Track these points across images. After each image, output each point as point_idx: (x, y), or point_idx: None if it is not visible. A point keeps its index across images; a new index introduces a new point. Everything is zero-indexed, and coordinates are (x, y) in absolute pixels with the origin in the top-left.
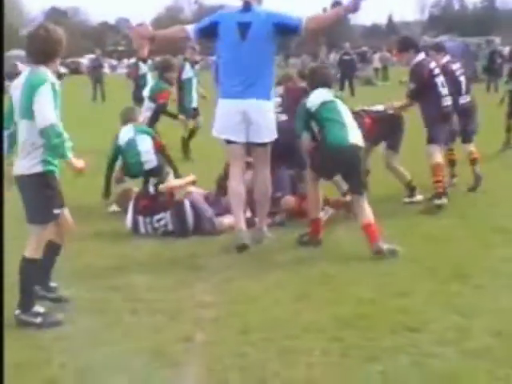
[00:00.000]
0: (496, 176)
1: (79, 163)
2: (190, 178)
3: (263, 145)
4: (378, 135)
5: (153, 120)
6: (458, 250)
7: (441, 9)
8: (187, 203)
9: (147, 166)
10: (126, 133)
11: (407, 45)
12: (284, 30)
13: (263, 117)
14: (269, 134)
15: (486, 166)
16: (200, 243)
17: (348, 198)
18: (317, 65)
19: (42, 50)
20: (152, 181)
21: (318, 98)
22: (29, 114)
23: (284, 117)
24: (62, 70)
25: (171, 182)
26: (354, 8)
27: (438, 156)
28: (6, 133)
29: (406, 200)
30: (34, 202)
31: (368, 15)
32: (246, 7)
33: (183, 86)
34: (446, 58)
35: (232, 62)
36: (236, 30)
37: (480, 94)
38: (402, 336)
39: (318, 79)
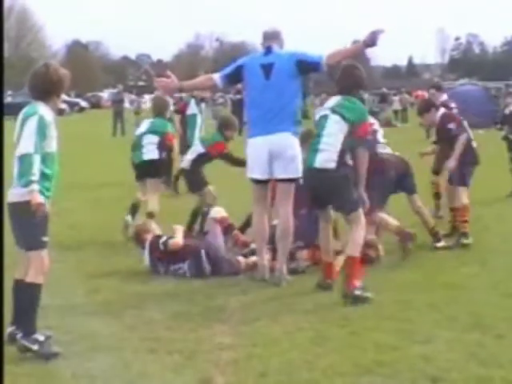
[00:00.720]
0: None
1: (38, 199)
2: (180, 229)
3: (287, 181)
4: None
5: (196, 164)
6: (478, 299)
7: (461, 52)
8: (203, 253)
9: (146, 157)
10: (142, 127)
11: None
12: (306, 67)
13: (288, 151)
14: (293, 170)
15: (504, 211)
16: (218, 283)
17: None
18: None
19: (40, 86)
20: (162, 240)
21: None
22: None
23: None
24: (84, 104)
25: (176, 238)
26: (372, 42)
27: (465, 198)
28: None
29: (438, 245)
30: (27, 229)
31: (388, 56)
32: (268, 50)
33: (187, 122)
34: (444, 97)
35: (257, 101)
36: (260, 71)
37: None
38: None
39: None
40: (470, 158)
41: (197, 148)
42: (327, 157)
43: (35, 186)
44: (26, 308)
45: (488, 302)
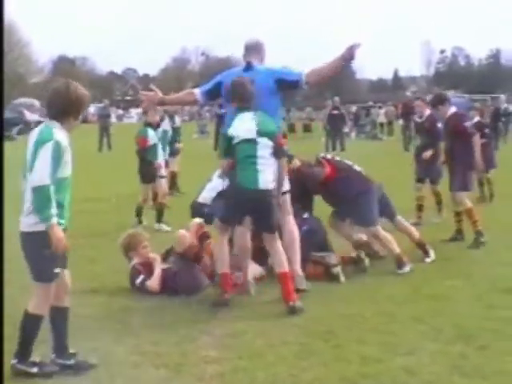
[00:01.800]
0: (498, 236)
1: (59, 234)
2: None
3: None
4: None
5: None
6: (462, 311)
7: (446, 65)
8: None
9: None
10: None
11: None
12: (285, 85)
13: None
14: (282, 185)
15: (488, 223)
16: (203, 297)
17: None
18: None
19: (58, 105)
20: (139, 280)
21: (240, 130)
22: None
23: None
24: None
25: (153, 282)
26: (350, 56)
27: (468, 201)
28: (24, 184)
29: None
30: (36, 260)
31: (374, 70)
32: (248, 66)
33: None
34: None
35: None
36: None
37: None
38: None
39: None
40: (470, 163)
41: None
42: (269, 177)
43: (55, 220)
44: (24, 337)
45: (472, 313)
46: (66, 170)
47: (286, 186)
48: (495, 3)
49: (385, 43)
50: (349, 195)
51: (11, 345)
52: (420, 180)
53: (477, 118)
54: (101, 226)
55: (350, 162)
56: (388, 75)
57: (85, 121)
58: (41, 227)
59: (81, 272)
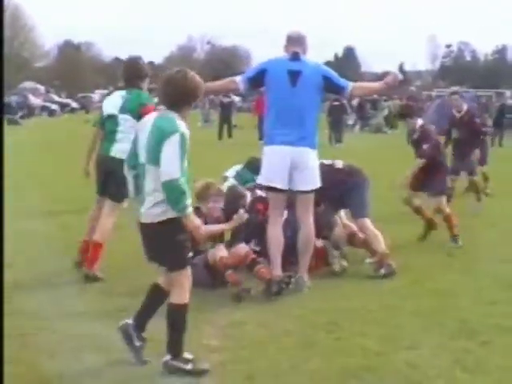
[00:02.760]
0: (504, 232)
1: (196, 221)
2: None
3: (306, 192)
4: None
5: None
6: (465, 306)
7: (452, 60)
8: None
9: None
10: None
11: None
12: (331, 86)
13: (308, 165)
14: (313, 182)
15: (493, 219)
16: (207, 286)
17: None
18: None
19: (177, 95)
20: None
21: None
22: (158, 161)
23: None
24: (74, 104)
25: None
26: (393, 83)
27: (446, 207)
28: (131, 173)
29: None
30: (170, 247)
31: (379, 63)
32: (295, 56)
33: None
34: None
35: (281, 108)
36: (286, 77)
37: None
38: None
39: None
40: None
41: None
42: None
43: (190, 209)
44: (173, 330)
45: (475, 308)
46: (185, 158)
47: (313, 185)
48: None
49: (390, 36)
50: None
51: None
52: (455, 172)
53: None
54: None
55: (328, 161)
56: (393, 69)
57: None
58: (171, 214)
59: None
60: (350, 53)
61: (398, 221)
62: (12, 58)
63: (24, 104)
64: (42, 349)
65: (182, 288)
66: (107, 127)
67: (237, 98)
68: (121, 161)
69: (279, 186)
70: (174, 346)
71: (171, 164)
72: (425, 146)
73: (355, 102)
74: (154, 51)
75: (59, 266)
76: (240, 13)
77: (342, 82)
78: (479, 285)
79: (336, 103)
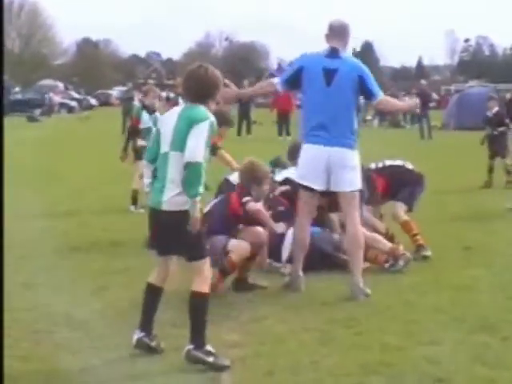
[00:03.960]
0: None
1: (198, 214)
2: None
3: (350, 192)
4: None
5: None
6: (484, 301)
7: (470, 54)
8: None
9: None
10: None
11: None
12: (363, 88)
13: (346, 165)
14: (350, 184)
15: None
16: (226, 280)
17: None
18: None
19: (199, 89)
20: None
21: None
22: (181, 146)
23: None
24: (93, 101)
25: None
26: (414, 108)
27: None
28: (151, 167)
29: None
30: (191, 238)
31: (397, 57)
32: (334, 53)
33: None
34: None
35: (318, 108)
36: (321, 75)
37: None
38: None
39: None
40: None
41: None
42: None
43: (199, 198)
44: (195, 320)
45: (494, 304)
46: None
47: (350, 186)
48: None
49: (409, 31)
50: None
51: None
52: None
53: (496, 109)
54: (127, 210)
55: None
56: (411, 63)
57: (107, 104)
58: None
59: (102, 255)
60: (368, 47)
61: (416, 217)
62: (31, 56)
63: (43, 101)
64: (57, 345)
65: (203, 277)
66: None
67: None
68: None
69: (312, 185)
70: (197, 336)
71: (197, 148)
72: None
73: None
74: (173, 48)
75: (76, 262)
76: (258, 7)
77: (376, 89)
78: (499, 280)
79: None
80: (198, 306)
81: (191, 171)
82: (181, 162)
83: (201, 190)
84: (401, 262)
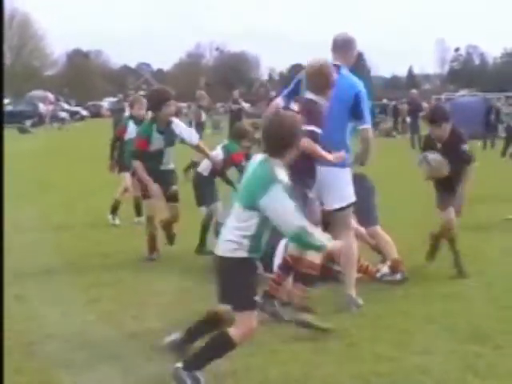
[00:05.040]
0: None
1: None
2: None
3: (341, 209)
4: None
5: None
6: (477, 311)
7: (461, 63)
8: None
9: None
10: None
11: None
12: (356, 108)
13: (335, 185)
14: (339, 200)
15: (507, 223)
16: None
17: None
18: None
19: (282, 140)
20: None
21: None
22: (244, 201)
23: None
24: (84, 113)
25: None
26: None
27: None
28: None
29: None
30: (239, 287)
31: (388, 67)
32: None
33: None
34: None
35: None
36: None
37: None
38: None
39: None
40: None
41: (216, 155)
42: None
43: (325, 242)
44: (206, 352)
45: (486, 314)
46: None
47: (339, 203)
48: (511, 2)
49: (399, 41)
50: None
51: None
52: None
53: None
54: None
55: None
56: (402, 73)
57: (98, 115)
58: (243, 253)
59: (95, 267)
60: (359, 57)
61: (406, 226)
62: (21, 67)
63: (34, 112)
64: (51, 357)
65: (244, 331)
66: None
67: (246, 105)
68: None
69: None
70: (196, 362)
71: (288, 215)
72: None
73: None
74: (163, 58)
75: (69, 275)
76: (249, 17)
77: (366, 116)
78: (491, 290)
79: None
80: (218, 345)
81: (298, 238)
82: (238, 214)
83: (319, 243)
84: (398, 276)
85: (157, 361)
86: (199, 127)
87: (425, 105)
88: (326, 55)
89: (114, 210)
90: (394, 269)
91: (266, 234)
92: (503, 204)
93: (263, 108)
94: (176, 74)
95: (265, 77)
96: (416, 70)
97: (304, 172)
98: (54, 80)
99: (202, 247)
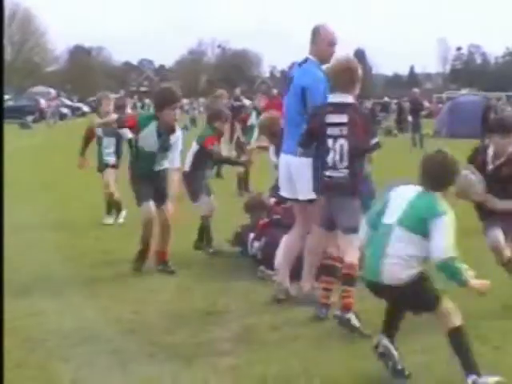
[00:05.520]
0: None
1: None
2: None
3: (306, 201)
4: None
5: (195, 165)
6: (477, 310)
7: (463, 62)
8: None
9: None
10: None
11: None
12: (305, 99)
13: (294, 174)
14: (303, 192)
15: None
16: (220, 288)
17: None
18: None
19: (445, 178)
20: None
21: None
22: (411, 226)
23: None
24: (86, 108)
25: None
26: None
27: None
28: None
29: None
30: (418, 301)
31: (389, 65)
32: (301, 62)
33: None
34: None
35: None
36: (288, 83)
37: None
38: None
39: None
40: None
41: (192, 148)
42: None
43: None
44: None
45: (486, 312)
46: None
47: (303, 195)
48: None
49: (401, 39)
50: None
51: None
52: None
53: None
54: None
55: None
56: (404, 71)
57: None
58: (416, 276)
59: (93, 263)
60: (360, 55)
61: None
62: (22, 63)
63: (35, 108)
64: (52, 353)
65: (446, 315)
66: None
67: (248, 102)
68: None
69: (283, 195)
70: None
71: (447, 242)
72: None
73: (369, 104)
74: (165, 55)
75: (68, 271)
76: (251, 14)
77: (313, 105)
78: (492, 288)
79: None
80: (457, 340)
81: (447, 267)
82: (410, 241)
83: (464, 277)
84: None
85: (157, 357)
86: (243, 126)
87: (426, 104)
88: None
89: (110, 208)
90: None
91: None
92: None
93: (259, 99)
94: (178, 71)
95: (266, 74)
96: (418, 69)
97: None
98: (55, 76)
99: (200, 243)
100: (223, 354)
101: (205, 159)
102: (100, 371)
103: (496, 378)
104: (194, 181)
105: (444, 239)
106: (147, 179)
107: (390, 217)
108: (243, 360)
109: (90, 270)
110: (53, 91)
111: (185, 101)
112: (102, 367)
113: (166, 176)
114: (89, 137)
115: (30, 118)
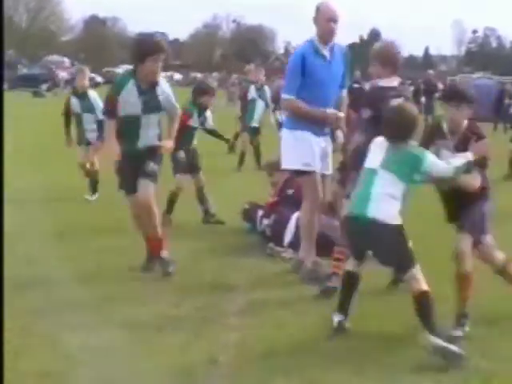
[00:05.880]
0: None
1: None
2: None
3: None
4: None
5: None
6: (484, 293)
7: (478, 45)
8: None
9: None
10: None
11: None
12: None
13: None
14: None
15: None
16: (229, 263)
17: None
18: None
19: (408, 129)
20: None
21: None
22: (399, 174)
23: None
24: (99, 79)
25: None
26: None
27: None
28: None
29: None
30: (397, 251)
31: (405, 46)
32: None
33: (247, 106)
34: None
35: None
36: None
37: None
38: (426, 375)
39: None
40: None
41: None
42: None
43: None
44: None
45: (494, 297)
46: None
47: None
48: None
49: (416, 20)
50: None
51: None
52: None
53: None
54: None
55: None
56: (418, 52)
57: (112, 81)
58: (397, 221)
59: (99, 238)
60: (375, 36)
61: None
62: (38, 31)
63: (49, 76)
64: (57, 322)
65: (417, 280)
66: None
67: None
68: None
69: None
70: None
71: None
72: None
73: None
74: (179, 28)
75: (75, 241)
76: None
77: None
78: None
79: (355, 85)
80: (424, 303)
81: (458, 174)
82: (390, 182)
83: (463, 166)
84: None
85: (164, 329)
86: (244, 102)
87: (440, 86)
88: (340, 30)
89: (94, 186)
90: None
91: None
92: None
93: (277, 82)
94: (192, 45)
95: (281, 50)
96: (432, 51)
97: None
98: (70, 45)
99: (209, 217)
100: (231, 329)
101: (181, 134)
102: (105, 342)
103: (453, 347)
104: (172, 156)
105: (441, 166)
106: (133, 159)
107: (373, 162)
108: (251, 335)
109: (98, 240)
110: (67, 60)
111: (198, 75)
112: (108, 338)
113: (156, 154)
114: (68, 115)
115: (44, 87)
